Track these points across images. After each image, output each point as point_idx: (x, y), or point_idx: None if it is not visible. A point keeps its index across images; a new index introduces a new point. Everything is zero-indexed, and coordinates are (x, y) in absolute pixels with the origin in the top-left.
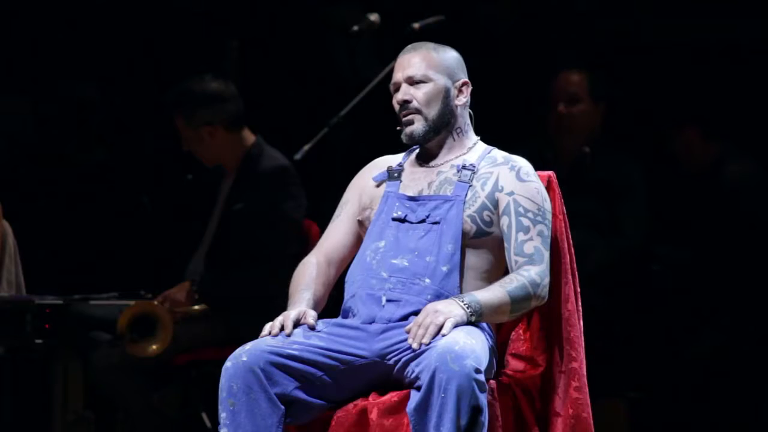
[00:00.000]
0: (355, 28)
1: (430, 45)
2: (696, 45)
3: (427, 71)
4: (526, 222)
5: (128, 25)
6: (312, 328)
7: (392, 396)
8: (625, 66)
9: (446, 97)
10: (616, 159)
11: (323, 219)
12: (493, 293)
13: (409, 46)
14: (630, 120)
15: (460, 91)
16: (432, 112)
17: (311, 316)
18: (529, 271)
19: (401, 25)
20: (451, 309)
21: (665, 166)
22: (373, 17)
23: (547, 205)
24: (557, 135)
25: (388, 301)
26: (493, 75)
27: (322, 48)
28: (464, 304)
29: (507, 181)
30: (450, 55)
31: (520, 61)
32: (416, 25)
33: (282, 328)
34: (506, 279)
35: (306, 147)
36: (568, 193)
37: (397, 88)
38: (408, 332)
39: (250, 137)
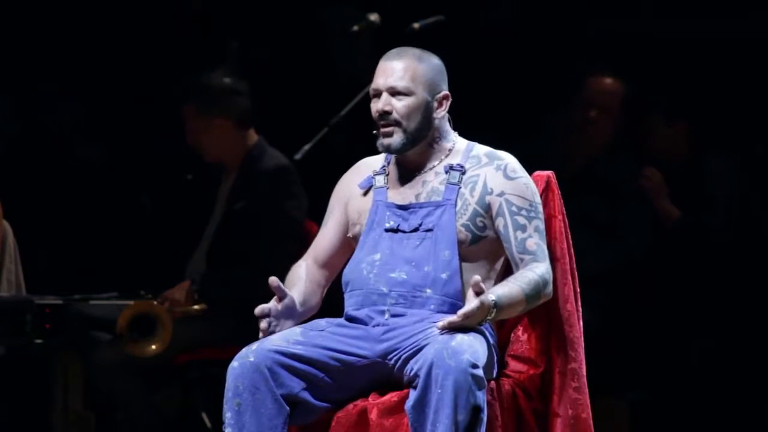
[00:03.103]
0: (355, 28)
1: (415, 53)
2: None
3: (410, 84)
4: (521, 220)
5: (128, 25)
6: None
7: (392, 396)
8: (624, 64)
9: (426, 110)
10: (621, 161)
11: (323, 219)
12: (512, 294)
13: (394, 51)
14: (633, 121)
15: (440, 104)
16: (411, 125)
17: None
18: (540, 268)
19: (401, 25)
20: (480, 321)
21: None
22: (373, 17)
23: (538, 199)
24: (574, 138)
25: (392, 315)
26: (492, 75)
27: (322, 48)
28: (491, 316)
29: (495, 182)
30: (433, 66)
31: (520, 60)
32: (416, 25)
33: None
34: (522, 278)
35: (306, 147)
36: (575, 196)
37: (377, 94)
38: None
39: (253, 137)
